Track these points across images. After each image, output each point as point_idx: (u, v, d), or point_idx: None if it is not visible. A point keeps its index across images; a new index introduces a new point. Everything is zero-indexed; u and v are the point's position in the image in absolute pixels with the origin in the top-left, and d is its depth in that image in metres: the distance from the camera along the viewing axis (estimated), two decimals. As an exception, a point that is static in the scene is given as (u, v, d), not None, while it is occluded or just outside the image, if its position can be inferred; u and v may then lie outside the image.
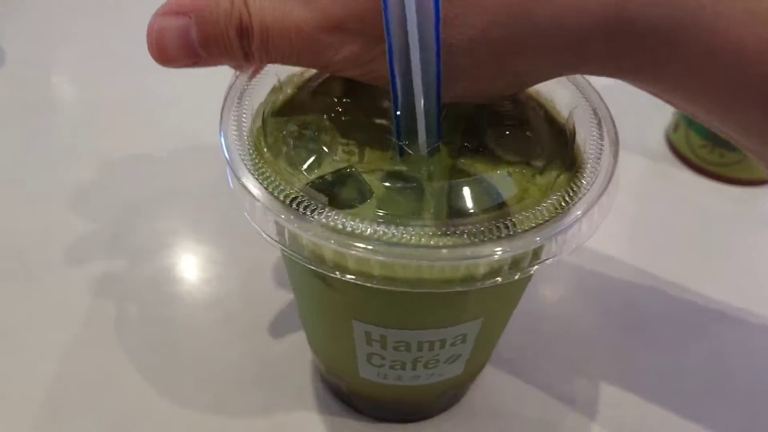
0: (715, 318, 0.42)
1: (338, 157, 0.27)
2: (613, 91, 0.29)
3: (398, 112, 0.25)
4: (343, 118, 0.29)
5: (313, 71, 0.30)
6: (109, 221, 0.45)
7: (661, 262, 0.45)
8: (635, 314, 0.42)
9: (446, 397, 0.36)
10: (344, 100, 0.29)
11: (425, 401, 0.35)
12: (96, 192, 0.47)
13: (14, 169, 0.49)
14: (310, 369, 0.38)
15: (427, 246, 0.23)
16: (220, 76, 0.29)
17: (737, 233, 0.48)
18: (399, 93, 0.24)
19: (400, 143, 0.26)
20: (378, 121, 0.28)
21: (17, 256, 0.43)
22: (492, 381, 0.38)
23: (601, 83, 0.28)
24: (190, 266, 0.43)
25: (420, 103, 0.24)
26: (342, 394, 0.36)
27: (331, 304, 0.28)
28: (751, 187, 0.51)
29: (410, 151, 0.26)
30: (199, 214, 0.46)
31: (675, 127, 0.53)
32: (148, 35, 0.24)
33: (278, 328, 0.39)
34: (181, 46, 0.24)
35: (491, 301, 0.28)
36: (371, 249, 0.22)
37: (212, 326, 0.40)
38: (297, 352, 0.38)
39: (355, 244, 0.23)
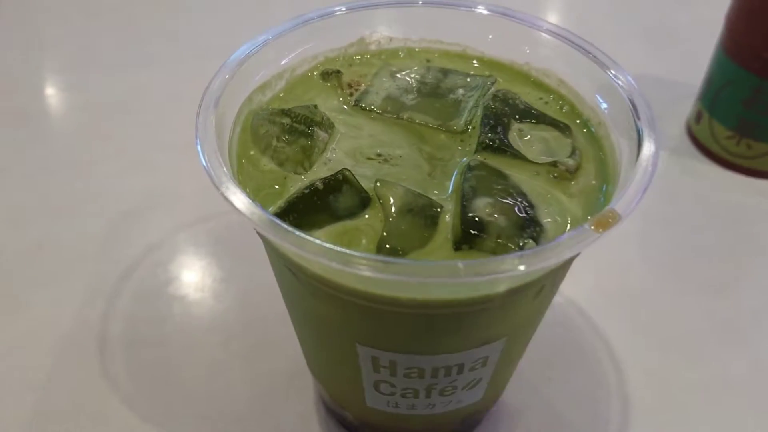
0: (752, 324, 0.38)
1: (330, 156, 0.24)
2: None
3: None
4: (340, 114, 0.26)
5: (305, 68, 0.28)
6: (99, 233, 0.42)
7: (690, 265, 0.42)
8: (664, 325, 0.38)
9: (464, 425, 0.32)
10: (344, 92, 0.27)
11: (442, 430, 0.32)
12: (86, 203, 0.44)
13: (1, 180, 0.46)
14: (313, 395, 0.34)
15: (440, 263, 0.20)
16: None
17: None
18: None
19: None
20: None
21: (3, 274, 0.40)
22: (513, 402, 0.34)
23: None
24: (185, 282, 0.40)
25: None
26: (348, 423, 0.32)
27: (331, 326, 0.25)
28: (783, 180, 0.47)
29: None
30: (195, 225, 0.43)
31: (697, 117, 0.49)
32: None
33: (277, 350, 0.36)
34: None
35: (516, 317, 0.25)
36: (373, 265, 0.19)
37: (209, 348, 0.36)
38: (298, 377, 0.35)
39: (355, 261, 0.19)
